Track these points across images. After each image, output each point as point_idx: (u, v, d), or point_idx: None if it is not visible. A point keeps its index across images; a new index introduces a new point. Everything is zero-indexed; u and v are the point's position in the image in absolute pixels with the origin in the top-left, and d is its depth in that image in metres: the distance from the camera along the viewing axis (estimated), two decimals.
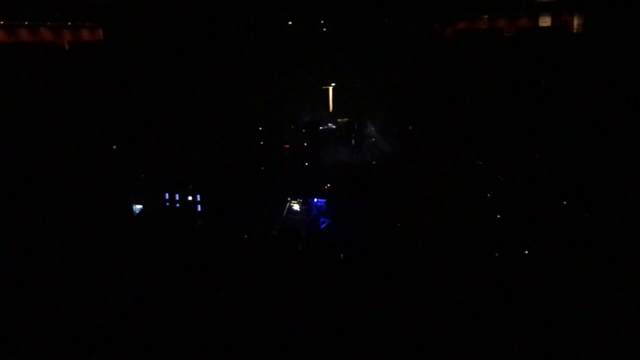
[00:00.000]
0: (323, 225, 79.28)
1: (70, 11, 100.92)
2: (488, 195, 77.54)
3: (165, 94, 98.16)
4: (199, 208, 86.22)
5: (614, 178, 70.19)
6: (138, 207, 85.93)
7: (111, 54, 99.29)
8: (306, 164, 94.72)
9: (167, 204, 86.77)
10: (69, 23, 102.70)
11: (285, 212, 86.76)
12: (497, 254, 57.95)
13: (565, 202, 70.34)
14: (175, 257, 44.14)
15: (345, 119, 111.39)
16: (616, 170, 72.11)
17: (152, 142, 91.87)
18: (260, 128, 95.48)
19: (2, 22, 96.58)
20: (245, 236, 54.71)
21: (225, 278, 39.91)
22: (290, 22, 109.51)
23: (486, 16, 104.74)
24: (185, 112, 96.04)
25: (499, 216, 72.23)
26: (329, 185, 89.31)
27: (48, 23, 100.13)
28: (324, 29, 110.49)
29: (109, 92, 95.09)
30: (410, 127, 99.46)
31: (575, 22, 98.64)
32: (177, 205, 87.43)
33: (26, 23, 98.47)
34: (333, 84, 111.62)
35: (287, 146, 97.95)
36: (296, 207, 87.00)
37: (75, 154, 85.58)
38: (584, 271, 47.26)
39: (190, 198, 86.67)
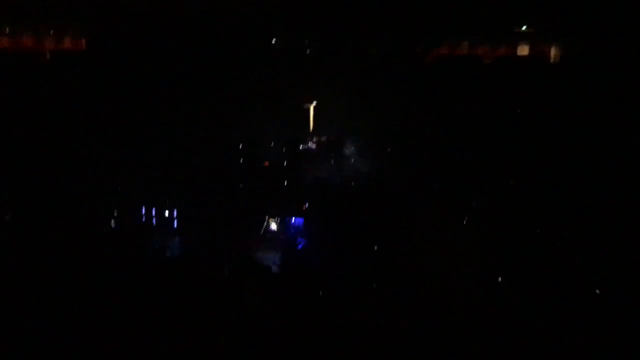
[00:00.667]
0: (300, 246, 79.13)
1: (53, 20, 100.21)
2: (467, 217, 78.17)
3: (144, 108, 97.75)
4: (175, 224, 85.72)
5: (600, 202, 71.13)
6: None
7: (93, 65, 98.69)
8: (285, 182, 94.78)
9: (143, 219, 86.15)
10: (51, 32, 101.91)
11: (262, 230, 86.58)
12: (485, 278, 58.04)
13: (539, 231, 71.27)
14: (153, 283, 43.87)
15: (325, 138, 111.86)
16: (602, 193, 73.30)
17: (129, 156, 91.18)
18: (240, 145, 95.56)
19: None
20: (226, 270, 54.49)
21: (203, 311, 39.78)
22: (273, 40, 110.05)
23: (466, 42, 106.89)
24: (163, 126, 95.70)
25: (482, 237, 72.51)
26: (307, 204, 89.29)
27: (30, 32, 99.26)
28: (307, 50, 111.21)
29: (87, 104, 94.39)
30: (388, 149, 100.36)
31: (553, 52, 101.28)
32: (153, 219, 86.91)
33: (7, 31, 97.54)
34: (314, 102, 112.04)
35: (267, 164, 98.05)
36: (274, 226, 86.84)
37: (54, 165, 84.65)
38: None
39: (167, 213, 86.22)
